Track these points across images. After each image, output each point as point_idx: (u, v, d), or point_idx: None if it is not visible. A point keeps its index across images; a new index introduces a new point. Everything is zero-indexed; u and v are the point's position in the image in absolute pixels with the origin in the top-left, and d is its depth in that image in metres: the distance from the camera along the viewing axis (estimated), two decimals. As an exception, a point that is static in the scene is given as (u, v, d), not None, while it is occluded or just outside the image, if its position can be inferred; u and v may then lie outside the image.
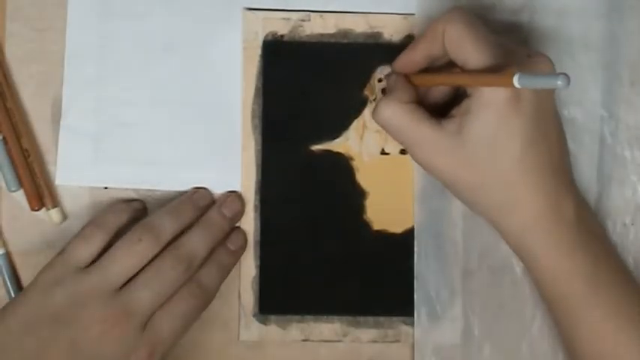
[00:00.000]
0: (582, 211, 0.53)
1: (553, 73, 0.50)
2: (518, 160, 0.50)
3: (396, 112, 0.51)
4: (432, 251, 0.57)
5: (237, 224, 0.57)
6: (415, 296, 0.57)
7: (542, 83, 0.45)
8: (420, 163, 0.53)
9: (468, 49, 0.49)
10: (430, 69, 0.54)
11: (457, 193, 0.53)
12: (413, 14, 0.58)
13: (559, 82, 0.43)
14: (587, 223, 0.53)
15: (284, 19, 0.58)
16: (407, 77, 0.54)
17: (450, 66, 0.53)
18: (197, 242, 0.53)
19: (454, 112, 0.51)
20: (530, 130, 0.49)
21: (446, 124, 0.50)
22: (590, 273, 0.51)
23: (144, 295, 0.50)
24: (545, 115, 0.51)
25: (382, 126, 0.53)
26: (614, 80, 0.58)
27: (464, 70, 0.50)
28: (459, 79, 0.52)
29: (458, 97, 0.54)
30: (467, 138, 0.50)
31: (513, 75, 0.45)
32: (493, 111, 0.49)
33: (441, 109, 0.53)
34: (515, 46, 0.52)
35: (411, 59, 0.54)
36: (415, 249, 0.57)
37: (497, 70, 0.48)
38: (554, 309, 0.53)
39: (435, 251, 0.57)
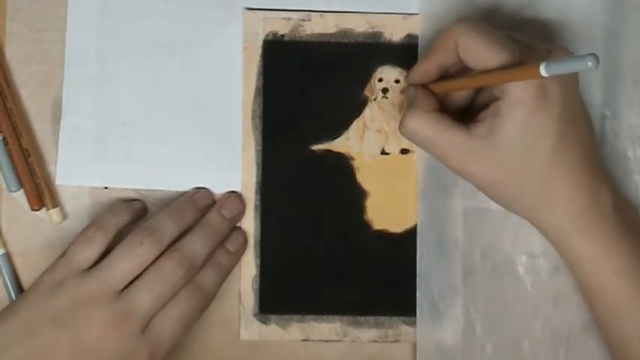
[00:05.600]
0: (619, 201, 0.52)
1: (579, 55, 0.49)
2: (551, 155, 0.50)
3: (423, 122, 0.51)
4: (433, 250, 0.57)
5: (238, 224, 0.57)
6: (417, 295, 0.57)
7: (570, 67, 0.44)
8: (453, 170, 0.52)
9: (487, 53, 0.49)
10: (444, 77, 0.54)
11: (493, 195, 0.53)
12: (413, 14, 0.58)
13: (589, 64, 0.42)
14: (626, 213, 0.53)
15: (284, 18, 0.58)
16: (426, 87, 0.54)
17: (463, 72, 0.53)
18: (197, 245, 0.53)
19: (482, 116, 0.50)
20: (560, 124, 0.49)
21: (475, 128, 0.50)
22: (632, 267, 0.51)
23: (145, 298, 0.50)
24: (573, 107, 0.51)
25: (410, 139, 0.52)
26: (616, 79, 0.58)
27: (487, 71, 0.50)
28: (483, 80, 0.51)
29: (476, 102, 0.54)
30: (499, 140, 0.49)
31: (539, 65, 0.44)
32: (522, 109, 0.48)
33: (460, 116, 0.53)
34: (534, 43, 0.51)
35: (424, 71, 0.53)
36: (417, 248, 0.57)
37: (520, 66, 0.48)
38: (597, 306, 0.53)
39: (436, 250, 0.57)
